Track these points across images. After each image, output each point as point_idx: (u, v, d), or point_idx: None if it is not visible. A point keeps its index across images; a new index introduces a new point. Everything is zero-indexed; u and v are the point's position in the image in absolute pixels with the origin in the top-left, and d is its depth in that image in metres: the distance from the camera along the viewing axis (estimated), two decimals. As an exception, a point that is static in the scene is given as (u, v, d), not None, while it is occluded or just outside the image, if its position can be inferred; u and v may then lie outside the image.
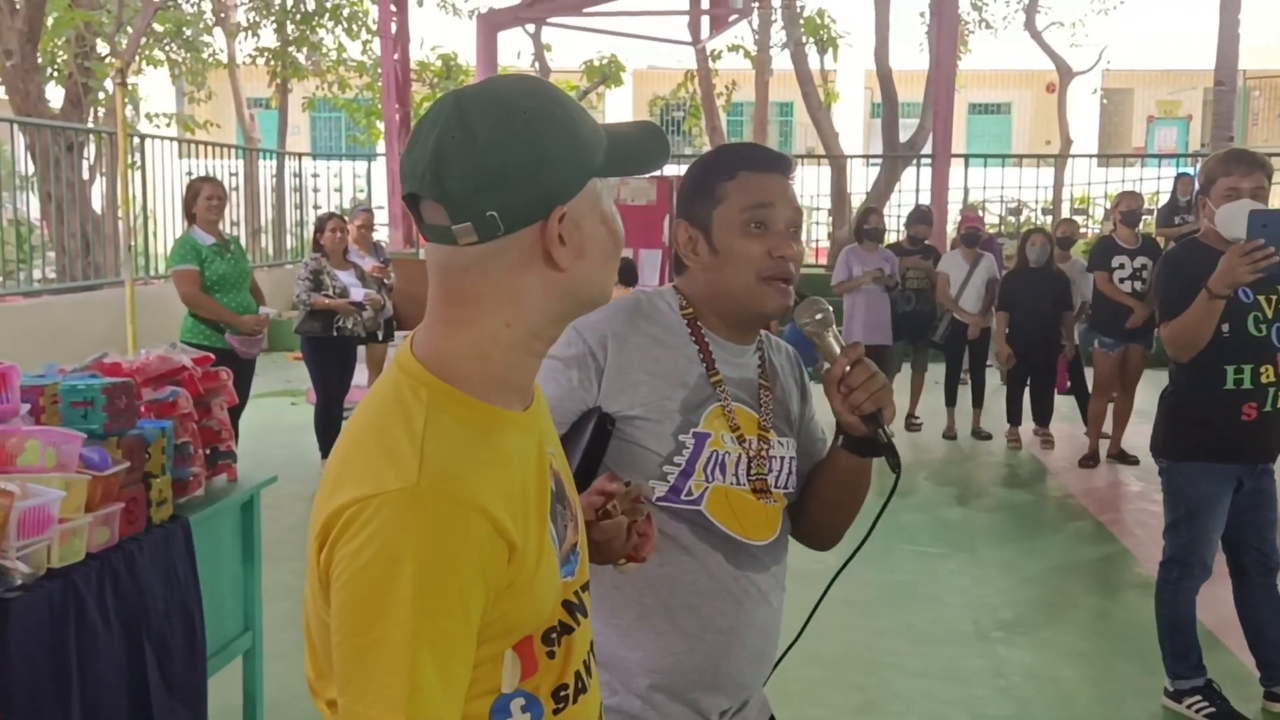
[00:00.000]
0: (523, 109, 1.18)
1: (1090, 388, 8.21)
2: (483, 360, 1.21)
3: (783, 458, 1.84)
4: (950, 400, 8.87)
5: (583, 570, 1.34)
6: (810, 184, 16.09)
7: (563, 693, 1.26)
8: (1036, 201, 16.38)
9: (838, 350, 1.73)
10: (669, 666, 1.75)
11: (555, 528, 1.25)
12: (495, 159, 1.16)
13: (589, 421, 1.74)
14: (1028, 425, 8.55)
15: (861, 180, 17.10)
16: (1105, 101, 28.71)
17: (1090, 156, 18.97)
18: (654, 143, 1.30)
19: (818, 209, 16.93)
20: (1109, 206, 10.53)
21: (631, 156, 1.28)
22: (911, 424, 9.06)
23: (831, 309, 1.78)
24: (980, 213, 14.01)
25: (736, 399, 1.80)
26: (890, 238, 10.61)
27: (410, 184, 1.19)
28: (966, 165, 15.53)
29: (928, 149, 14.94)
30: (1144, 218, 8.21)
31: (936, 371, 9.20)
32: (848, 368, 1.69)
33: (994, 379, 9.32)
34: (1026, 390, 8.49)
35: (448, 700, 1.10)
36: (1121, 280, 7.75)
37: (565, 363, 1.75)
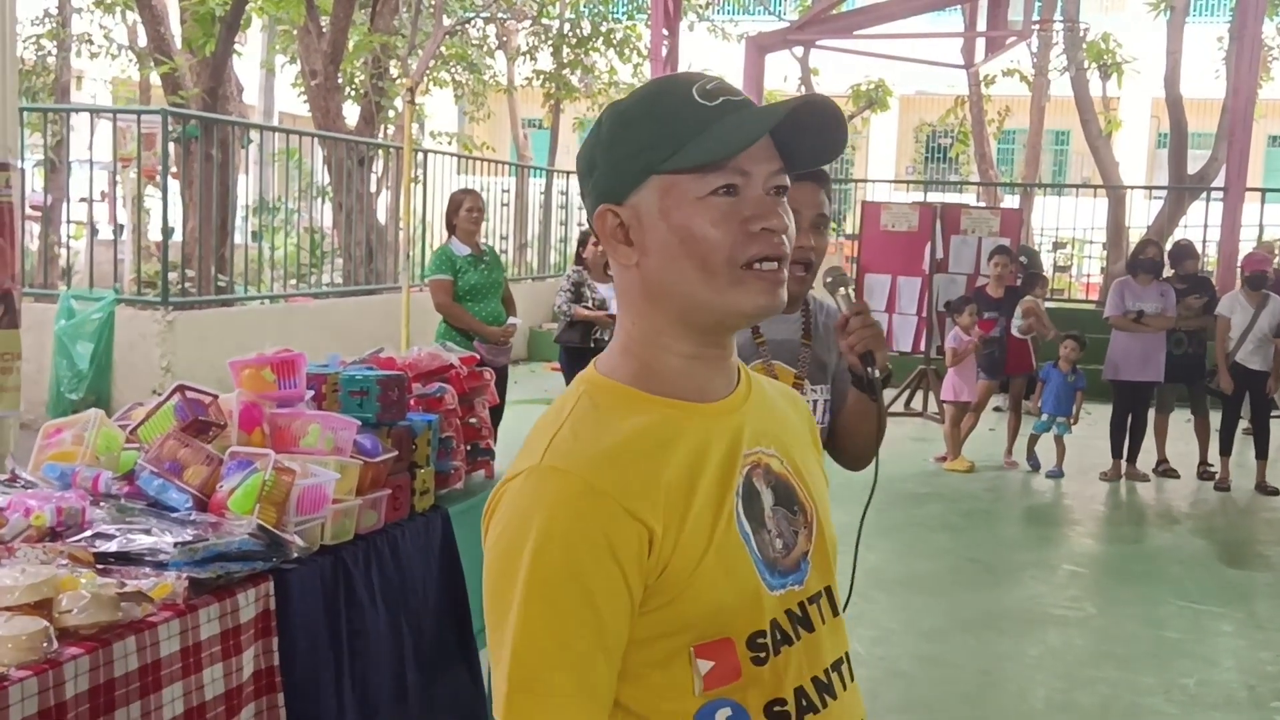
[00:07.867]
0: (607, 115, 1.26)
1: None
2: (629, 355, 1.26)
3: (815, 401, 2.31)
4: (1225, 449, 8.21)
5: (815, 580, 1.27)
6: (1085, 215, 15.30)
7: (778, 708, 1.19)
8: (1345, 242, 14.97)
9: (844, 307, 2.11)
10: None
11: (751, 526, 1.21)
12: (579, 162, 1.28)
13: None
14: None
15: (1142, 213, 16.15)
16: None
17: None
18: (750, 122, 1.17)
19: (1091, 242, 16.09)
20: None
21: (718, 143, 1.17)
22: (1206, 471, 8.43)
23: (846, 273, 2.33)
24: (1275, 252, 12.93)
25: (778, 357, 2.26)
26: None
27: None
28: (1263, 200, 14.39)
29: (1219, 182, 13.94)
30: None
31: (1216, 419, 8.54)
32: (849, 319, 2.07)
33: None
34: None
35: (562, 671, 1.11)
36: None
37: None
